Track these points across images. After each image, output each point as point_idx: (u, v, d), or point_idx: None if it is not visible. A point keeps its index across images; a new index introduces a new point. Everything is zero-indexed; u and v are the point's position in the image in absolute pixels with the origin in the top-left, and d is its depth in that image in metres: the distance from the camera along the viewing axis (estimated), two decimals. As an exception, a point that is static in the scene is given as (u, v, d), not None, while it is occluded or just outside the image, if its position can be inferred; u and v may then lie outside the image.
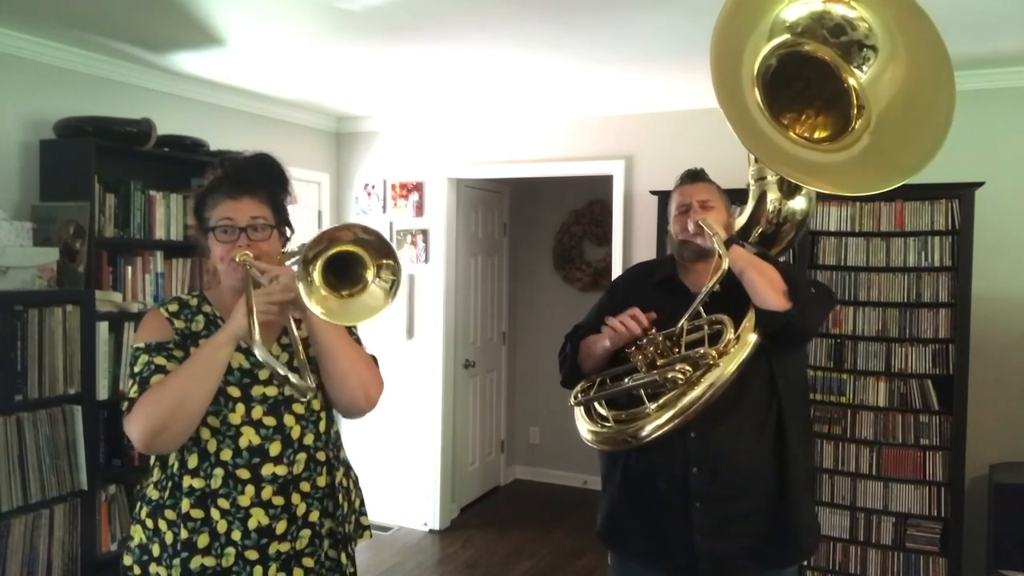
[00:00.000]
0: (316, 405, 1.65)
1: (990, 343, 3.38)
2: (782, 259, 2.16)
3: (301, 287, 1.43)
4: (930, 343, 3.25)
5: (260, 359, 1.41)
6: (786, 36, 1.86)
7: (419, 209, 4.67)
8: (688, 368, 1.70)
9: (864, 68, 1.87)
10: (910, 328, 3.27)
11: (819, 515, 3.37)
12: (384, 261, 1.47)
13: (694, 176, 1.98)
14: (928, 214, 3.24)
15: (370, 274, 1.47)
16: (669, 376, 1.70)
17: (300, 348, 1.54)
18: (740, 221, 2.10)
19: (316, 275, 1.44)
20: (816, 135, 1.93)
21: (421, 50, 3.24)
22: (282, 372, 1.42)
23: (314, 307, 1.44)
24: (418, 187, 4.67)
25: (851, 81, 1.88)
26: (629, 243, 4.16)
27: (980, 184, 3.16)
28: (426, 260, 4.65)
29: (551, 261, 5.66)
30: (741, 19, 1.81)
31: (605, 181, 4.30)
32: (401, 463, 4.75)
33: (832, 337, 3.38)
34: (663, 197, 3.55)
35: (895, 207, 3.30)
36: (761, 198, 2.06)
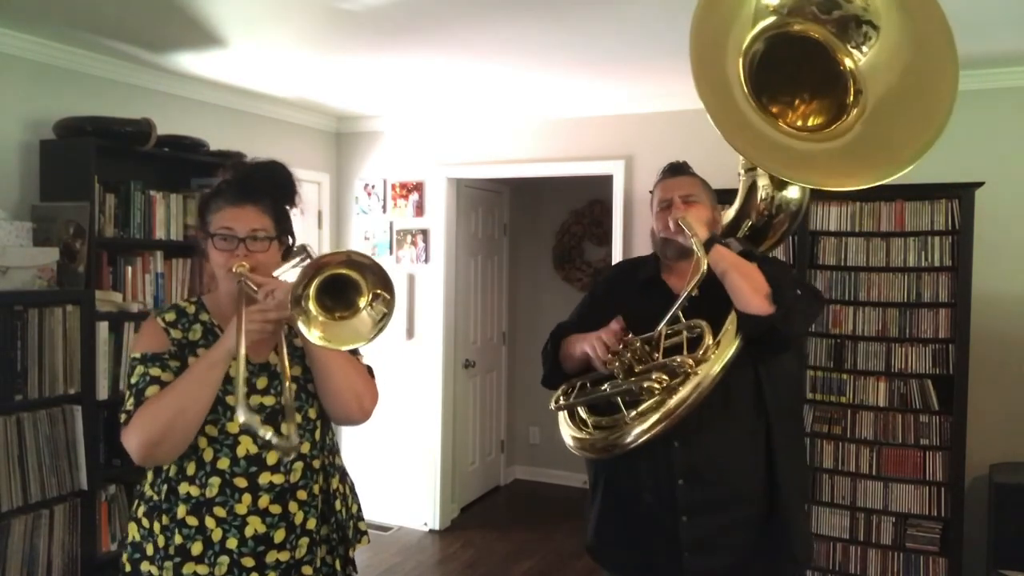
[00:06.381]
0: (312, 414, 1.65)
1: (990, 343, 3.38)
2: (772, 255, 2.03)
3: (299, 318, 1.39)
4: (930, 343, 3.24)
5: (241, 423, 1.35)
6: (772, 19, 1.72)
7: (419, 209, 4.67)
8: (664, 377, 1.65)
9: (864, 48, 1.72)
10: (910, 328, 3.27)
11: (819, 515, 3.38)
12: (380, 292, 1.43)
13: (676, 169, 1.91)
14: (928, 214, 3.24)
15: (363, 301, 1.44)
16: (645, 386, 1.66)
17: (289, 386, 1.49)
18: (729, 214, 1.98)
19: (311, 304, 1.40)
20: (810, 122, 1.80)
21: (421, 50, 3.24)
22: (265, 436, 1.35)
23: (311, 334, 1.40)
24: (418, 187, 4.67)
25: (847, 62, 1.73)
26: (629, 243, 4.16)
27: (980, 184, 3.16)
28: (426, 260, 4.65)
29: (551, 261, 5.66)
30: (721, 7, 1.71)
31: (605, 181, 4.30)
32: (401, 463, 4.75)
33: (832, 337, 3.38)
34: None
35: (895, 207, 3.29)
36: (751, 188, 1.91)
